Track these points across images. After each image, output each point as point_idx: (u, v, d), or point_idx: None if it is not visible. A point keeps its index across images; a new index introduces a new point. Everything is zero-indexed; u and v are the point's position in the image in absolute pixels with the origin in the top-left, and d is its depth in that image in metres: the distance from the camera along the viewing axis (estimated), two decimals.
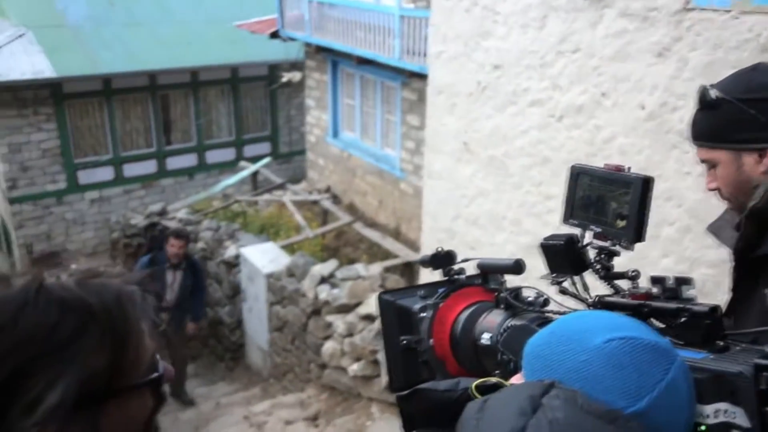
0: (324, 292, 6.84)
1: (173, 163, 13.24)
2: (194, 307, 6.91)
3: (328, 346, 6.65)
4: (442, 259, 1.32)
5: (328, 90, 10.85)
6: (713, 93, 1.47)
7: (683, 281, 1.01)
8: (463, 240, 4.52)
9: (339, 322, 6.57)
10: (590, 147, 3.51)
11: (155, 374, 0.84)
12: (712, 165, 1.54)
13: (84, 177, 12.25)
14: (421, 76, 7.75)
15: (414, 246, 8.27)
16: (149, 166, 12.97)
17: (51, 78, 11.04)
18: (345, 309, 6.65)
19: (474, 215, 4.48)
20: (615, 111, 3.37)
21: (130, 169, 12.76)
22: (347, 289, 6.70)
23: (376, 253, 8.55)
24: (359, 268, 7.19)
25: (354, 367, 6.27)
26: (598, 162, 1.21)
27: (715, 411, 0.76)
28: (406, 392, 0.90)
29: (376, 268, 7.30)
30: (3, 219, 12.57)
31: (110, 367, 0.77)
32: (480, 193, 4.42)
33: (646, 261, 3.12)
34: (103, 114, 12.29)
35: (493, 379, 0.86)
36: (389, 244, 8.58)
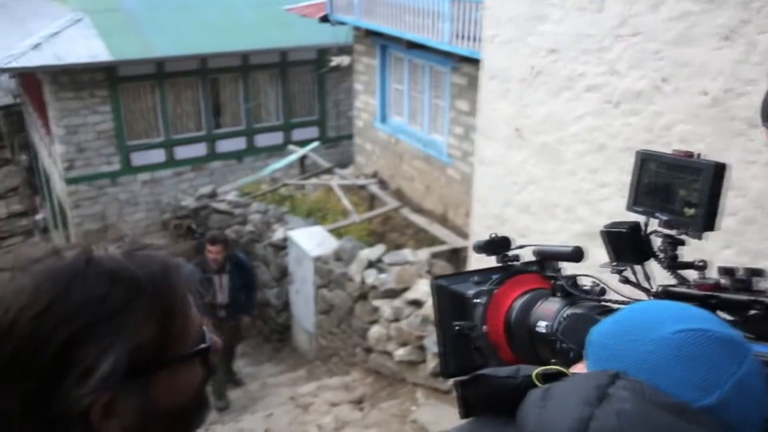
0: (371, 277, 6.86)
1: (223, 146, 13.42)
2: (246, 305, 6.77)
3: (374, 331, 6.67)
4: (498, 245, 1.30)
5: (376, 74, 10.82)
6: None
7: (755, 272, 0.97)
8: (513, 227, 4.46)
9: (385, 307, 6.59)
10: (648, 134, 3.41)
11: (203, 345, 0.85)
12: None
13: (137, 159, 12.52)
14: (472, 61, 7.65)
15: (461, 232, 8.21)
16: (199, 149, 13.18)
17: (106, 61, 11.28)
18: (392, 294, 6.66)
19: (525, 202, 4.42)
20: (676, 97, 3.26)
21: (181, 152, 12.99)
22: (395, 274, 6.71)
23: (423, 239, 8.52)
24: (406, 253, 7.18)
25: (400, 352, 6.29)
26: (658, 149, 1.17)
27: None
28: (467, 377, 0.88)
29: (423, 253, 7.28)
30: (60, 199, 12.97)
31: (158, 338, 0.79)
32: (531, 180, 4.35)
33: (704, 253, 3.02)
34: (156, 97, 12.52)
35: (556, 368, 0.84)
36: (436, 230, 8.54)
